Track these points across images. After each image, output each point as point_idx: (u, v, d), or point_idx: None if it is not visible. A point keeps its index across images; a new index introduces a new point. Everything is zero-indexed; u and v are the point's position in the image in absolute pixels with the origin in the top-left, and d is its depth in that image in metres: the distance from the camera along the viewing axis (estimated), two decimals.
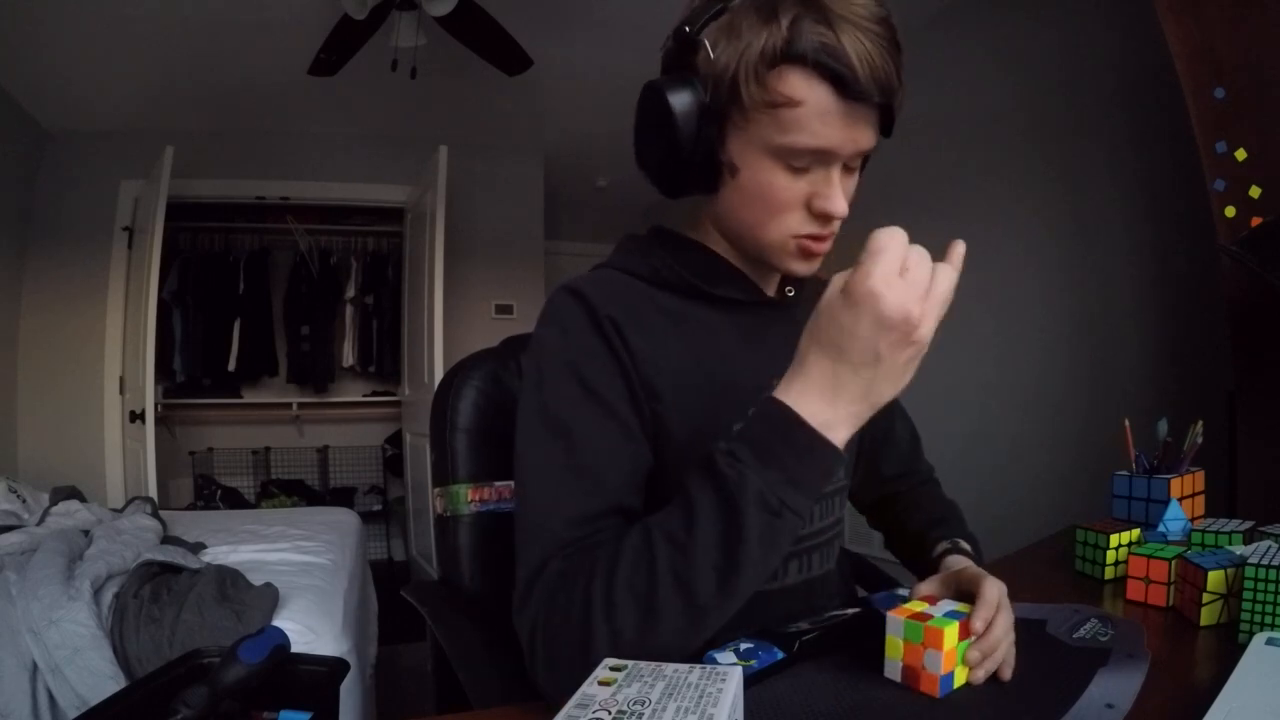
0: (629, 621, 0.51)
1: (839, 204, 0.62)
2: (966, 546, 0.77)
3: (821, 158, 0.61)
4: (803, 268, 0.67)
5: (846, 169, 0.64)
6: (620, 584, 0.52)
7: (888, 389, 0.51)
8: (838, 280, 0.51)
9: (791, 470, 0.51)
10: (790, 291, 0.75)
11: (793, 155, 0.60)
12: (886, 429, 0.93)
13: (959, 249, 0.53)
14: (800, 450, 0.51)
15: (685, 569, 0.51)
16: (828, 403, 0.51)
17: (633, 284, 0.70)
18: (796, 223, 0.64)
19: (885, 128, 0.63)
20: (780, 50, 0.57)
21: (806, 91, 0.58)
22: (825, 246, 0.66)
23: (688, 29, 0.61)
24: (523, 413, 0.65)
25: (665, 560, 0.52)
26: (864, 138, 0.61)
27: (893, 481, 0.95)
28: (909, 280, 0.48)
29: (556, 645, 0.54)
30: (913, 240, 0.50)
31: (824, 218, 0.63)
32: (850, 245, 0.56)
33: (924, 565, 0.79)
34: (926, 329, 0.49)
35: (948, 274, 0.50)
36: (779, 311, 0.74)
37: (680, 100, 0.60)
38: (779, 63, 0.57)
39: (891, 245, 0.48)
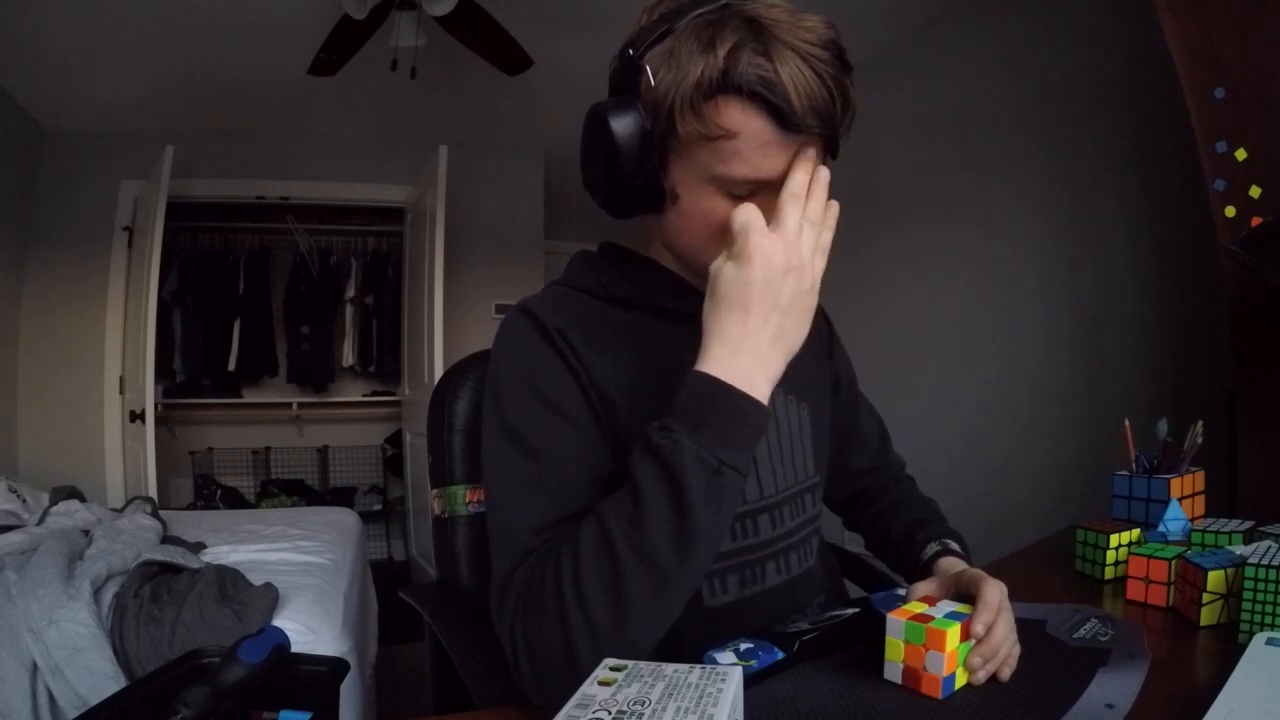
0: (602, 610, 0.52)
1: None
2: (956, 547, 0.77)
3: (762, 185, 0.61)
4: None
5: None
6: (587, 575, 0.53)
7: (793, 332, 0.57)
8: (718, 260, 0.57)
9: (723, 430, 0.54)
10: None
11: (732, 184, 0.61)
12: (851, 422, 0.92)
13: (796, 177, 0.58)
14: (725, 410, 0.55)
15: (642, 543, 0.53)
16: (742, 357, 0.56)
17: (583, 300, 0.72)
18: None
19: (831, 151, 0.63)
20: (716, 81, 0.56)
21: (743, 123, 0.57)
22: None
23: (631, 52, 0.61)
24: (486, 429, 0.67)
25: (622, 538, 0.53)
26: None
27: (862, 476, 0.94)
28: (781, 232, 0.56)
29: (539, 650, 0.54)
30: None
31: None
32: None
33: (912, 568, 0.79)
34: (815, 270, 0.58)
35: (794, 214, 0.57)
36: None
37: (622, 126, 0.60)
38: (715, 94, 0.57)
39: (753, 215, 0.56)
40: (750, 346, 0.55)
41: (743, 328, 0.55)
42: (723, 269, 0.56)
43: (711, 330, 0.57)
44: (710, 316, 0.57)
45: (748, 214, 0.56)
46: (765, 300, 0.55)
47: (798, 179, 0.57)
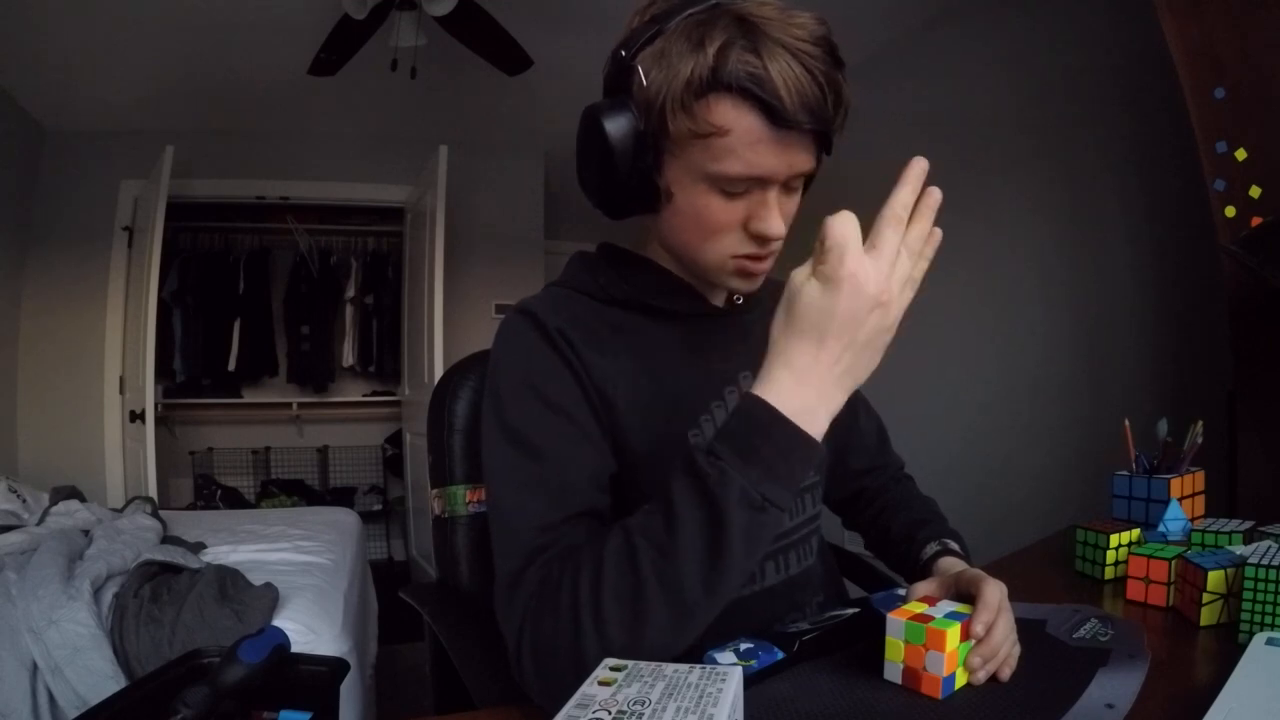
0: (617, 627, 0.51)
1: (775, 226, 0.63)
2: (956, 547, 0.77)
3: (757, 182, 0.61)
4: (743, 286, 0.68)
5: (787, 188, 0.64)
6: (606, 590, 0.52)
7: (863, 369, 0.53)
8: (801, 271, 0.52)
9: (773, 466, 0.51)
10: (739, 299, 0.76)
11: (726, 182, 0.61)
12: (850, 422, 0.92)
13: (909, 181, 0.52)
14: (781, 445, 0.51)
15: (670, 571, 0.51)
16: (807, 389, 0.52)
17: (582, 300, 0.72)
18: (734, 244, 0.65)
19: (825, 146, 0.63)
20: (706, 79, 0.57)
21: (735, 120, 0.58)
22: (764, 266, 0.67)
23: (623, 53, 0.61)
24: (486, 430, 0.66)
25: (649, 563, 0.51)
26: (799, 162, 0.61)
27: (862, 476, 0.94)
28: (878, 258, 0.50)
29: (546, 653, 0.54)
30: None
31: (761, 239, 0.64)
32: None
33: (912, 568, 0.79)
34: (901, 304, 0.52)
35: (894, 239, 0.51)
36: (726, 319, 0.76)
37: (616, 127, 0.61)
38: (706, 92, 0.57)
39: (852, 229, 0.50)
40: (817, 379, 0.51)
41: (813, 358, 0.51)
42: (806, 288, 0.51)
43: (779, 352, 0.52)
44: (780, 336, 0.53)
45: (845, 229, 0.50)
46: (844, 334, 0.50)
47: (902, 198, 0.51)
